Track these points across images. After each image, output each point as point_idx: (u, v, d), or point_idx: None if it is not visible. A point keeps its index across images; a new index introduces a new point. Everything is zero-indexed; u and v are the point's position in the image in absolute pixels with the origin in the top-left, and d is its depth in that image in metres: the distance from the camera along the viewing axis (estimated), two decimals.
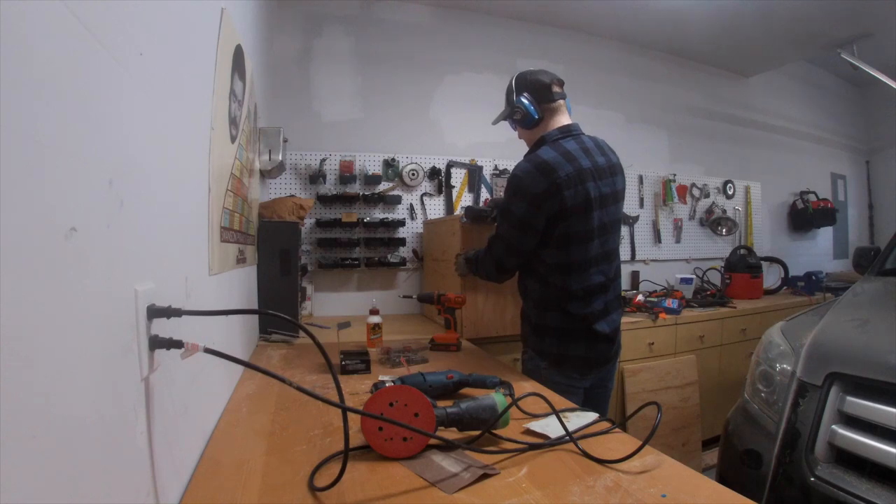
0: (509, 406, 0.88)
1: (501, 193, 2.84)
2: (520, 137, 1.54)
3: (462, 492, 0.70)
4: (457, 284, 2.03)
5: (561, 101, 1.43)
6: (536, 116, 1.41)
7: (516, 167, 1.38)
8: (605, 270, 1.40)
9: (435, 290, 1.81)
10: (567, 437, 0.86)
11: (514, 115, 1.45)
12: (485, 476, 0.74)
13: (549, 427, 0.92)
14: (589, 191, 1.32)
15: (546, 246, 1.36)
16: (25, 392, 0.34)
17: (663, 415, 0.89)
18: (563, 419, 0.90)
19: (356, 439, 0.86)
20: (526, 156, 1.42)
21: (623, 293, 2.82)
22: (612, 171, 1.41)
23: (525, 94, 1.41)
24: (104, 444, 0.47)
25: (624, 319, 2.55)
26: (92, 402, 0.44)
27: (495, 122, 1.58)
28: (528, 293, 1.48)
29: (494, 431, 0.88)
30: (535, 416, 0.99)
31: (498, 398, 0.90)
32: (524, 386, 1.23)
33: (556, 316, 1.39)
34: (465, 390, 1.17)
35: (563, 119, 1.43)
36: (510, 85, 1.47)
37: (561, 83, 1.45)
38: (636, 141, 3.35)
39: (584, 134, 1.45)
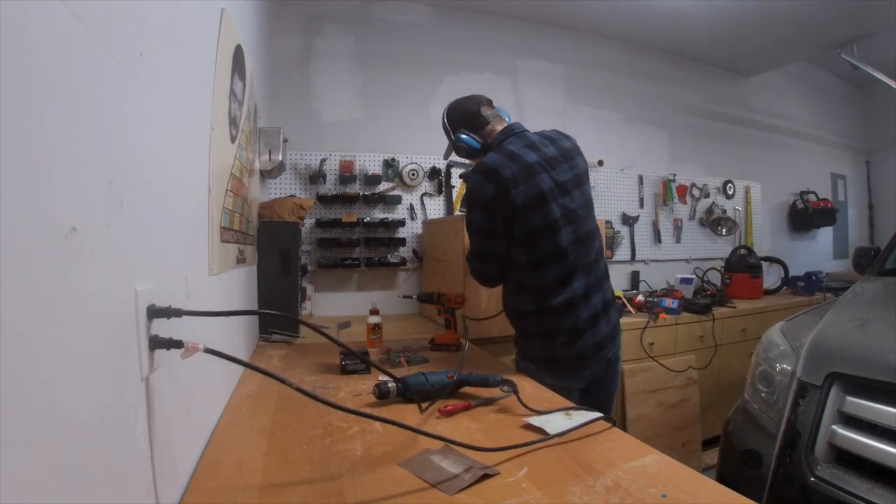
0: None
1: None
2: (473, 162, 1.59)
3: (462, 492, 0.70)
4: (457, 284, 2.03)
5: (494, 119, 1.46)
6: (478, 146, 1.46)
7: (469, 181, 1.39)
8: (581, 257, 1.36)
9: (435, 290, 1.81)
10: (566, 435, 0.86)
11: (460, 154, 1.51)
12: (485, 476, 0.74)
13: (549, 423, 0.92)
14: (541, 184, 1.31)
15: (511, 247, 1.35)
16: (25, 392, 0.34)
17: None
18: (566, 416, 0.90)
19: (356, 439, 0.86)
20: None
21: (623, 292, 2.82)
22: (567, 157, 1.40)
23: (461, 131, 1.47)
24: (104, 444, 0.47)
25: (624, 319, 2.56)
26: (92, 403, 0.44)
27: (446, 156, 1.65)
28: (506, 303, 1.48)
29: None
30: (537, 412, 0.99)
31: None
32: (524, 385, 1.23)
33: (536, 314, 1.37)
34: (467, 389, 1.17)
35: (502, 125, 1.46)
36: (443, 122, 1.51)
37: (489, 102, 1.50)
38: (636, 141, 3.35)
39: (527, 131, 1.44)
